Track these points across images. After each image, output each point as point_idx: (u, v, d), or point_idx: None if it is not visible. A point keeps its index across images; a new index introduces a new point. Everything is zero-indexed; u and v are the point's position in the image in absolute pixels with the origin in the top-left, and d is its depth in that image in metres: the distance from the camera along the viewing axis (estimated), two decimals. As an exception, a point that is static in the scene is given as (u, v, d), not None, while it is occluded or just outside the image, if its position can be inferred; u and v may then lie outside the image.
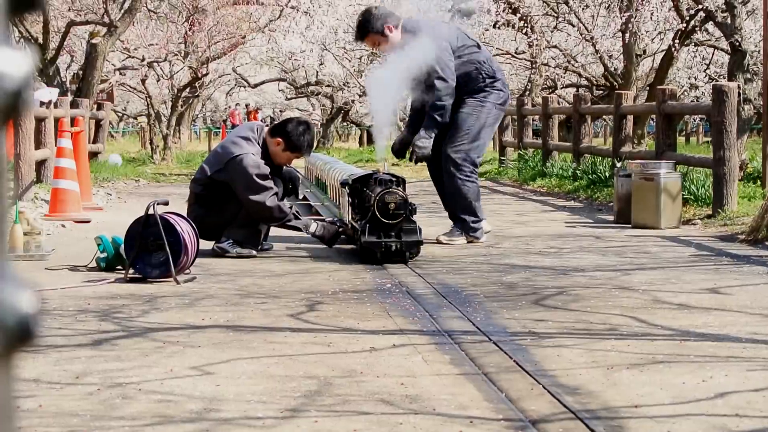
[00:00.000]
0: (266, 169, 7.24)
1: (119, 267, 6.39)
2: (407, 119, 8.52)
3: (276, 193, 7.25)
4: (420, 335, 4.50)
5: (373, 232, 6.88)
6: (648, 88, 17.91)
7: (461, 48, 8.05)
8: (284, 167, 7.58)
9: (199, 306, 5.24)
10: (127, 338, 4.44)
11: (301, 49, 26.74)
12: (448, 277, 6.22)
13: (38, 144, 12.38)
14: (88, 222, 9.69)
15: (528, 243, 7.95)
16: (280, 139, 7.37)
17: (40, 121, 12.53)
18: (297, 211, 7.43)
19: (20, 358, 0.65)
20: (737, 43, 13.09)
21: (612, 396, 3.44)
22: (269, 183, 7.22)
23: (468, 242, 7.93)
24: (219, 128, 39.80)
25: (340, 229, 7.48)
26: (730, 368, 3.82)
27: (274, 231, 7.75)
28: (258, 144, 7.33)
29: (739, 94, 10.15)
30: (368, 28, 7.95)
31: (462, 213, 7.99)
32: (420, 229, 6.96)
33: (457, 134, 8.02)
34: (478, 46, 8.19)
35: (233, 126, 48.80)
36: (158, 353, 4.13)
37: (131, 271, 6.10)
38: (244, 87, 38.97)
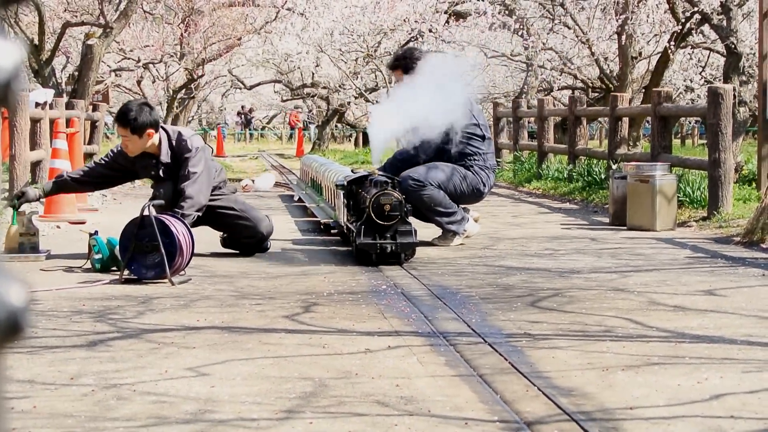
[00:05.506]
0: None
1: (114, 268, 6.38)
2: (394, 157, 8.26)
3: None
4: (415, 337, 4.49)
5: (369, 233, 6.88)
6: (643, 90, 17.90)
7: (471, 126, 8.00)
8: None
9: (194, 307, 5.24)
10: (122, 339, 4.44)
11: (296, 50, 26.71)
12: (444, 279, 6.22)
13: (33, 145, 12.35)
14: (83, 223, 9.68)
15: (523, 245, 7.94)
16: None
17: (35, 122, 12.50)
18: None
19: (11, 354, 0.64)
20: (733, 46, 13.10)
21: (607, 398, 3.44)
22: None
23: (463, 240, 7.90)
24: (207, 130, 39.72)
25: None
26: (725, 370, 3.82)
27: (274, 233, 7.74)
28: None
29: (734, 96, 10.16)
30: (402, 65, 8.09)
31: (437, 217, 7.89)
32: (415, 231, 6.95)
33: (428, 170, 7.92)
34: (483, 138, 8.07)
35: (291, 128, 47.72)
36: (153, 354, 4.12)
37: (126, 272, 6.10)
38: (240, 89, 38.96)
